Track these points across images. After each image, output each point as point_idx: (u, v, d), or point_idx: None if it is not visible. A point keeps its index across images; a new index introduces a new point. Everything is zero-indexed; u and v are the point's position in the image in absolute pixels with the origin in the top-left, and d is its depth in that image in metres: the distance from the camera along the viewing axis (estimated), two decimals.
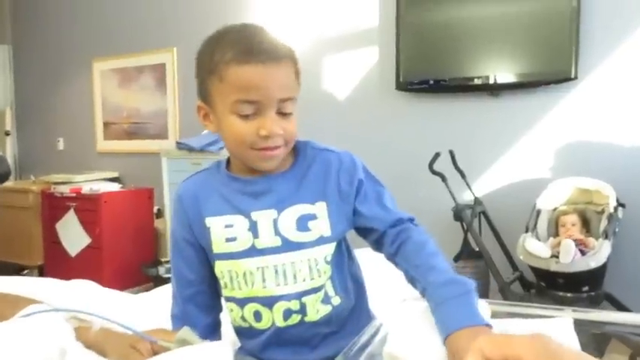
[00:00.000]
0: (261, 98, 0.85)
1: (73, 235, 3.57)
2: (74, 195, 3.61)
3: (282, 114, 0.87)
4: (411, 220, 0.95)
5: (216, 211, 0.95)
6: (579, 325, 1.07)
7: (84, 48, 4.34)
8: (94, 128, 4.34)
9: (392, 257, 0.93)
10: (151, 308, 1.25)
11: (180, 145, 3.30)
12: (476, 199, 2.61)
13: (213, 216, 0.95)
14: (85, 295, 1.26)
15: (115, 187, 3.84)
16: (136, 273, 3.49)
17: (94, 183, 3.78)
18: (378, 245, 0.96)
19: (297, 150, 0.97)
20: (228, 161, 0.99)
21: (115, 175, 4.13)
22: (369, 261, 1.04)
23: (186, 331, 0.82)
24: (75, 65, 4.41)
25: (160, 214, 3.83)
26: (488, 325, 0.77)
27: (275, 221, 0.91)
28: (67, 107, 4.52)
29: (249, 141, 0.87)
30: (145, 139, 4.06)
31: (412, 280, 0.89)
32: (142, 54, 4.01)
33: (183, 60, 3.80)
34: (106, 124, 4.29)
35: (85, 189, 3.64)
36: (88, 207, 3.55)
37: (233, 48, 0.85)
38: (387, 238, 0.93)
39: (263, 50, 0.85)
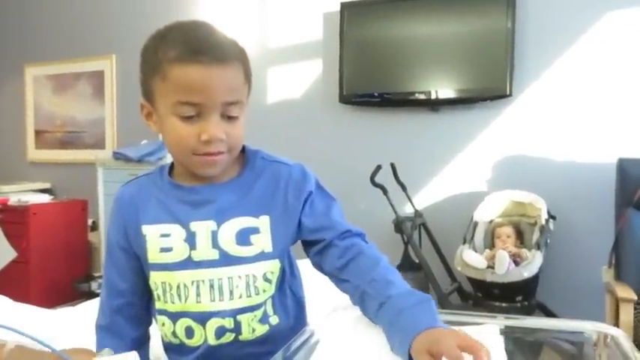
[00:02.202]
0: (203, 101, 0.80)
1: None
2: (0, 206, 3.40)
3: (228, 117, 0.83)
4: (361, 235, 0.91)
5: (153, 219, 0.90)
6: (512, 333, 1.08)
7: (15, 52, 4.12)
8: (25, 136, 4.11)
9: (337, 271, 0.88)
10: (74, 324, 1.17)
11: (117, 155, 3.18)
12: (416, 211, 2.65)
13: (150, 224, 0.90)
14: None
15: (45, 198, 3.64)
16: (67, 289, 3.32)
17: (23, 194, 3.58)
18: (321, 257, 0.90)
19: (246, 159, 0.93)
20: (171, 167, 0.95)
21: (47, 186, 3.93)
22: (301, 269, 1.01)
23: (107, 353, 0.76)
24: (5, 70, 4.18)
25: (94, 226, 3.66)
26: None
27: (214, 233, 0.87)
28: None
29: (190, 145, 0.82)
30: (80, 148, 3.89)
31: (363, 296, 0.82)
32: (79, 60, 3.85)
33: (123, 68, 3.68)
34: (38, 133, 4.08)
35: (13, 200, 3.44)
36: (15, 219, 3.34)
37: (178, 46, 0.80)
38: (334, 249, 0.88)
39: (208, 50, 0.80)
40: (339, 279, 0.88)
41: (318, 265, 0.92)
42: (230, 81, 0.83)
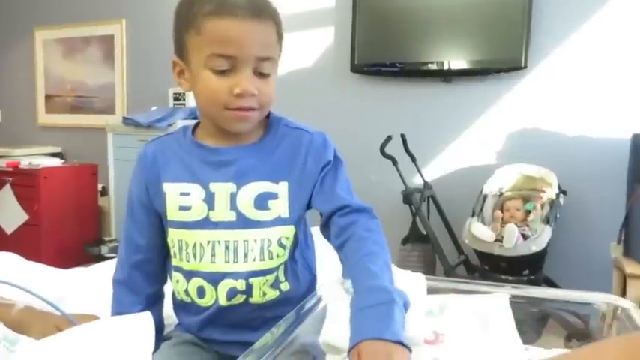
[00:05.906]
0: (237, 53, 0.81)
1: (8, 212, 3.39)
2: (11, 169, 3.42)
3: (260, 74, 0.84)
4: (366, 210, 0.88)
5: (174, 177, 0.92)
6: (518, 303, 1.09)
7: (25, 15, 4.09)
8: (35, 101, 4.11)
9: (336, 248, 0.88)
10: (85, 283, 1.19)
11: (126, 121, 3.18)
12: (425, 183, 2.64)
13: (170, 182, 0.92)
14: (7, 269, 1.18)
15: (56, 162, 3.66)
16: (78, 252, 3.36)
17: (34, 158, 3.60)
18: (325, 231, 0.92)
19: (270, 124, 0.94)
20: (195, 127, 0.96)
21: (58, 150, 3.94)
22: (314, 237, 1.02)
23: None
24: (15, 34, 4.16)
25: (104, 192, 3.69)
26: (401, 343, 0.67)
27: (233, 195, 0.88)
28: (6, 78, 4.27)
29: (222, 99, 0.83)
30: (90, 113, 3.89)
31: (349, 275, 0.83)
32: (89, 24, 3.82)
33: (133, 32, 3.65)
34: (48, 97, 4.08)
35: (24, 163, 3.46)
36: (26, 182, 3.37)
37: (213, 1, 0.82)
38: (333, 227, 0.88)
39: (244, 5, 0.82)
40: (338, 255, 0.89)
41: (326, 238, 0.93)
42: (263, 36, 0.84)
